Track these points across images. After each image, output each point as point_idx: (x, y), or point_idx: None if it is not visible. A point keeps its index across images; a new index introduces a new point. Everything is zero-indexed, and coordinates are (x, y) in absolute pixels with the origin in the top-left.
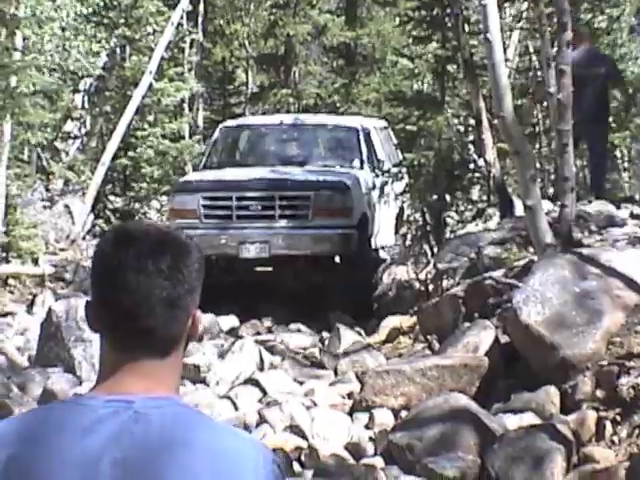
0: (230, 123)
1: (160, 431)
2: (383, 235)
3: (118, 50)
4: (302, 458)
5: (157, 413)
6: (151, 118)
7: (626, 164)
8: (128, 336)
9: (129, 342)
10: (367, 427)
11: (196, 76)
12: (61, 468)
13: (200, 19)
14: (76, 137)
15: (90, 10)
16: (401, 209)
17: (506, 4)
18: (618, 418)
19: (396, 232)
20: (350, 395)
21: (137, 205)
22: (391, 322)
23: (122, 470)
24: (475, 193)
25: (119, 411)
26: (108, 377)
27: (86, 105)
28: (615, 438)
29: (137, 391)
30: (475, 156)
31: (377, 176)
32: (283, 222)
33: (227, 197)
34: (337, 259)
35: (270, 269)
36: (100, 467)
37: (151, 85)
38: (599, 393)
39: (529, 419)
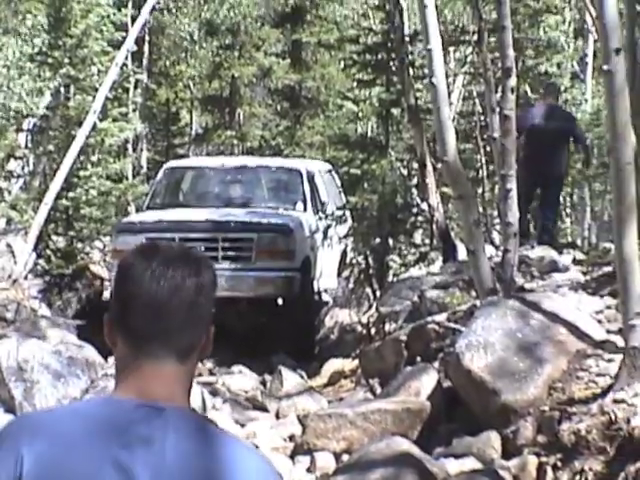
0: (174, 164)
1: (188, 441)
2: (326, 278)
3: (62, 89)
4: None
5: (185, 424)
6: (95, 158)
7: (568, 210)
8: (152, 338)
9: (153, 344)
10: (308, 470)
11: (140, 116)
12: (92, 469)
13: (145, 60)
14: (19, 176)
15: (35, 50)
16: (344, 252)
17: (451, 48)
18: (559, 464)
19: (339, 275)
20: (292, 438)
21: (80, 245)
22: (333, 365)
23: (152, 475)
24: (418, 237)
25: (151, 417)
26: (131, 380)
27: (29, 144)
28: None
29: (163, 397)
30: (418, 200)
31: (320, 219)
32: (226, 264)
33: (170, 238)
34: (280, 301)
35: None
36: (132, 472)
37: (95, 125)
38: (540, 438)
39: (470, 464)
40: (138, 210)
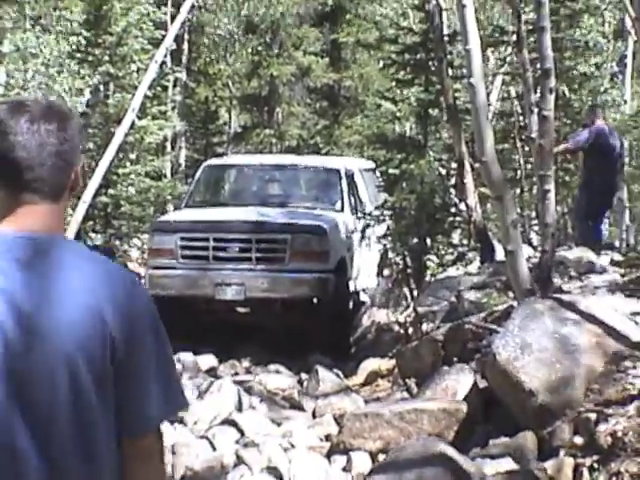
0: (213, 162)
1: (58, 256)
2: (364, 278)
3: (102, 87)
4: None
5: (58, 248)
6: (133, 156)
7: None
8: (27, 184)
9: (28, 189)
10: (344, 470)
11: (179, 114)
12: None
13: (184, 58)
14: None
15: (74, 47)
16: (385, 251)
17: (490, 49)
18: (595, 465)
19: (379, 275)
20: (328, 437)
21: (118, 242)
22: (370, 365)
23: (31, 294)
24: (456, 237)
25: (26, 244)
26: (11, 218)
27: None
28: None
29: (39, 229)
30: (456, 200)
31: (359, 218)
32: (260, 265)
33: (204, 238)
34: (315, 301)
35: (249, 310)
36: (13, 294)
37: (134, 123)
38: (577, 440)
39: (507, 465)
40: (176, 208)
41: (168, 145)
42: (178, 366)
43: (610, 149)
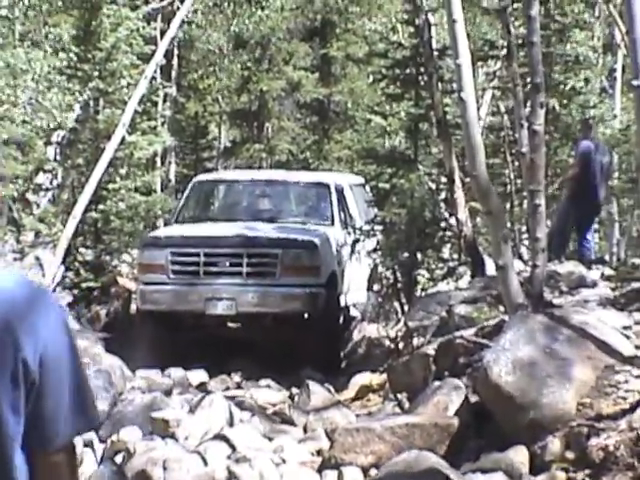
0: (203, 177)
1: None
2: (354, 292)
3: (91, 103)
4: None
5: None
6: (123, 171)
7: (596, 225)
8: None
9: None
10: None
11: (169, 130)
12: None
13: (174, 73)
14: (47, 189)
15: (64, 63)
16: (374, 266)
17: (479, 63)
18: (587, 479)
19: (369, 289)
20: (319, 452)
21: (108, 258)
22: (361, 379)
23: None
24: (446, 252)
25: None
26: None
27: (58, 157)
28: None
29: None
30: (447, 214)
31: (349, 233)
32: (251, 279)
33: (195, 253)
34: (306, 316)
35: (240, 325)
36: None
37: (124, 138)
38: (569, 454)
39: (499, 479)
40: (167, 224)
41: (158, 160)
42: (168, 381)
43: (594, 165)
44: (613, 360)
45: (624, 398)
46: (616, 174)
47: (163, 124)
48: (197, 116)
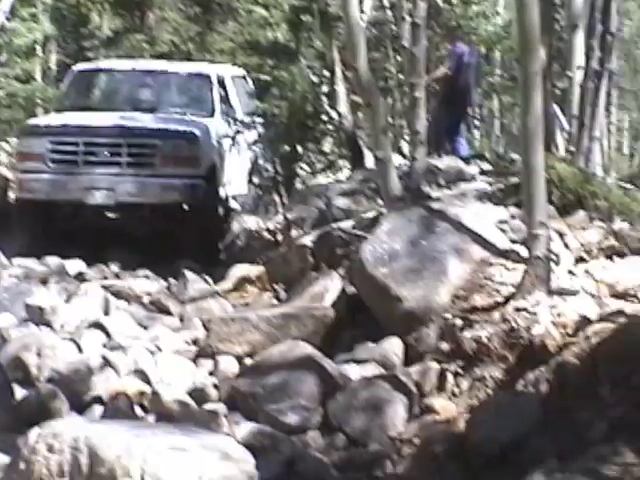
0: (83, 66)
1: None
2: (234, 185)
3: None
4: (145, 403)
5: None
6: (2, 58)
7: (477, 122)
8: None
9: None
10: (211, 374)
11: (50, 18)
12: None
13: None
14: None
15: None
16: (255, 159)
17: None
18: (460, 371)
19: (249, 182)
20: (195, 342)
21: None
22: (239, 271)
23: None
24: (327, 145)
25: None
26: None
27: None
28: (456, 390)
29: None
30: (328, 108)
31: (230, 125)
32: (130, 170)
33: (74, 142)
34: (185, 207)
35: (118, 215)
36: None
37: (3, 25)
38: (442, 345)
39: (372, 369)
40: (46, 112)
41: (38, 48)
42: (46, 270)
43: (466, 67)
44: (488, 253)
45: (498, 291)
46: (497, 71)
47: (44, 12)
48: (79, 4)
